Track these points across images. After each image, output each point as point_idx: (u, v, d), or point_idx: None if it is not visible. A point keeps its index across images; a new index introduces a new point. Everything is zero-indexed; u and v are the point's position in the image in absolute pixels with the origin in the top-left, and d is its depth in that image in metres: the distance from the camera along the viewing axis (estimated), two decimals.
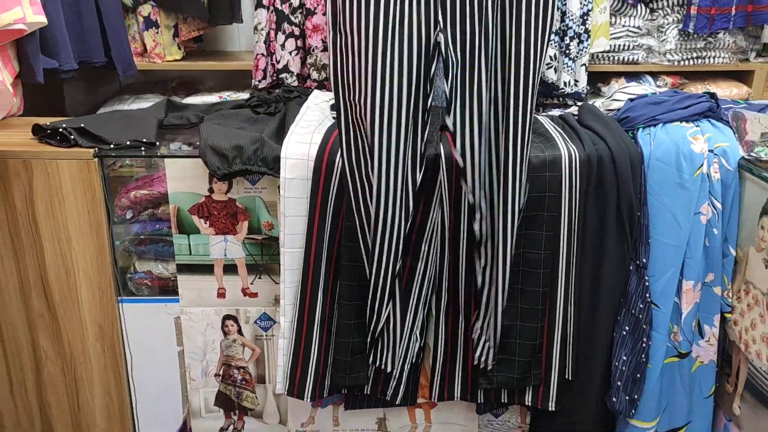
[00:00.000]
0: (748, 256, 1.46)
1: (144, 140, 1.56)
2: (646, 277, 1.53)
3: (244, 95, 2.53)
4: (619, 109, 1.73)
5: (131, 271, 1.66)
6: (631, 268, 1.54)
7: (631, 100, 1.70)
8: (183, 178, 1.57)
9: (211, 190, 1.58)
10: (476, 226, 1.44)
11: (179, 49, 2.47)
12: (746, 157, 1.48)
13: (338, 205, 1.49)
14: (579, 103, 2.59)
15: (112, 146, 1.55)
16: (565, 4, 2.37)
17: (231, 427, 1.77)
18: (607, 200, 1.52)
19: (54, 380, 1.69)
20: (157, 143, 1.58)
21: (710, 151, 1.49)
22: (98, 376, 1.69)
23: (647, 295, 1.52)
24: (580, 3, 2.36)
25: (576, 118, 1.72)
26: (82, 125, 1.58)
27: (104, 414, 1.73)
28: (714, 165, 1.48)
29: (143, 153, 1.57)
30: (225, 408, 1.76)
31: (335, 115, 1.66)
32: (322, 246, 1.51)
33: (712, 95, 1.64)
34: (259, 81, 2.46)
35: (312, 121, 1.62)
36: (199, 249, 1.62)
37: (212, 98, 2.51)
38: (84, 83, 2.80)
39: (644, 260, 1.52)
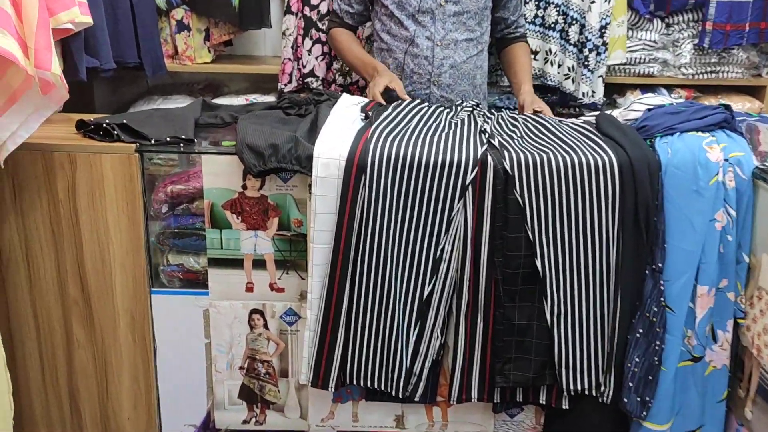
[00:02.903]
0: (761, 262, 1.51)
1: (182, 137, 1.63)
2: (661, 281, 1.58)
3: (270, 98, 2.61)
4: (636, 119, 1.79)
5: (164, 263, 1.72)
6: (646, 272, 1.59)
7: (649, 110, 1.75)
8: (218, 174, 1.63)
9: (244, 187, 1.64)
10: (538, 264, 1.55)
11: (209, 52, 2.55)
12: (760, 167, 1.54)
13: (367, 203, 1.55)
14: (594, 113, 2.67)
15: (152, 142, 1.62)
16: (585, 17, 2.44)
17: (253, 420, 1.83)
18: (625, 206, 1.57)
19: (85, 367, 1.75)
20: (195, 140, 1.65)
21: (725, 160, 1.54)
22: (127, 365, 1.76)
23: (662, 299, 1.57)
24: (599, 16, 2.43)
25: (594, 126, 1.78)
26: (125, 121, 1.65)
27: (131, 402, 1.79)
28: (729, 174, 1.54)
29: (182, 149, 1.63)
30: (248, 401, 1.81)
31: (364, 117, 1.74)
32: (350, 243, 1.56)
33: (727, 107, 1.69)
34: (285, 85, 2.54)
35: (343, 123, 1.69)
36: (230, 244, 1.68)
37: (239, 100, 2.59)
38: (112, 83, 2.89)
39: (660, 265, 1.57)
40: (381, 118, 1.68)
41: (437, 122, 1.75)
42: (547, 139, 1.68)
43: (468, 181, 1.55)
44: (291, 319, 1.75)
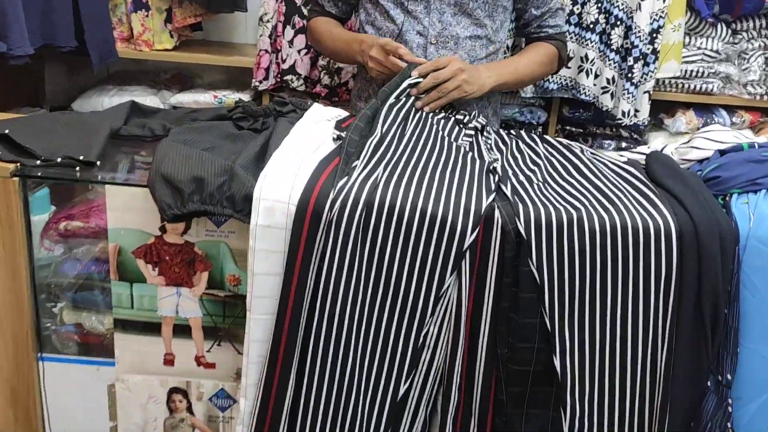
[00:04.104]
0: None
1: (80, 158, 1.20)
2: (730, 400, 1.14)
3: (245, 96, 2.19)
4: (701, 161, 1.34)
5: (57, 322, 1.31)
6: (708, 384, 1.15)
7: (721, 153, 1.30)
8: (127, 210, 1.21)
9: (163, 230, 1.22)
10: (557, 362, 1.13)
11: (171, 37, 2.12)
12: None
13: (326, 265, 1.12)
14: (635, 136, 2.20)
15: (39, 163, 1.19)
16: (632, 18, 1.97)
17: None
18: (683, 289, 1.13)
19: None
20: (98, 163, 1.22)
21: None
22: None
23: (729, 424, 1.14)
24: (651, 17, 1.96)
25: (644, 170, 1.33)
26: (7, 132, 1.22)
27: None
28: None
29: (77, 175, 1.21)
30: None
31: (336, 138, 1.30)
32: (298, 318, 1.14)
33: None
34: (260, 81, 2.10)
35: (302, 148, 1.25)
36: (143, 302, 1.26)
37: (206, 97, 2.17)
38: (67, 67, 2.48)
39: (728, 377, 1.14)
40: (358, 143, 1.24)
41: (436, 150, 1.30)
42: (578, 187, 1.24)
43: (466, 246, 1.11)
44: (223, 402, 1.33)
